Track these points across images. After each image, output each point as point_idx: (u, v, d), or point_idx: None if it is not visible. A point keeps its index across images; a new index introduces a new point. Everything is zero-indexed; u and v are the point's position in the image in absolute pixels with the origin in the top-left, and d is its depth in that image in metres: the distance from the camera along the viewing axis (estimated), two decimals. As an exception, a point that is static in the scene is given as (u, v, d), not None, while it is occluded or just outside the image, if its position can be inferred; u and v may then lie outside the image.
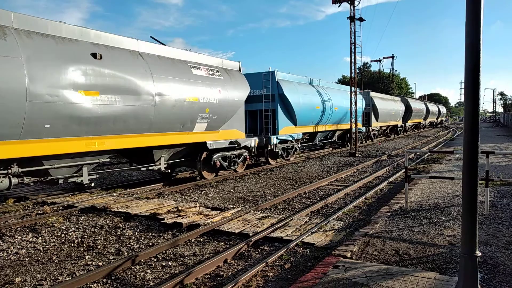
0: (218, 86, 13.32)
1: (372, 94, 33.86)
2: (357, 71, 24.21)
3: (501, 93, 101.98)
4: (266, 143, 17.12)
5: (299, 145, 20.45)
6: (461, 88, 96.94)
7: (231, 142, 14.22)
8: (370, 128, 32.35)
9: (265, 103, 17.98)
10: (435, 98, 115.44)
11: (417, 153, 21.56)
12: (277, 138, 17.52)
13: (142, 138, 10.77)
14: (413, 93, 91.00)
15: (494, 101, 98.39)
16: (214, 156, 13.53)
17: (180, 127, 11.93)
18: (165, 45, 12.24)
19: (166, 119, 11.30)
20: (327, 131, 23.49)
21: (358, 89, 24.98)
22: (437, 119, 71.52)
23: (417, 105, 51.65)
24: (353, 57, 23.16)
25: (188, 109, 12.01)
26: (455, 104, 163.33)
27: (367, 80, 71.77)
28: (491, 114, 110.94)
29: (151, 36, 14.18)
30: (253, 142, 15.66)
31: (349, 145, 25.18)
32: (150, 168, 11.94)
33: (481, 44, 3.83)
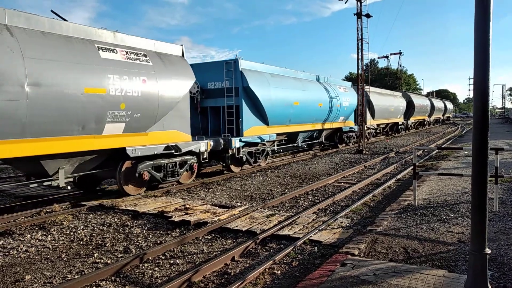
0: (143, 75, 10.38)
1: (367, 88, 29.80)
2: (364, 67, 24.07)
3: (511, 89, 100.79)
4: (226, 147, 13.99)
5: (275, 147, 17.75)
6: (469, 84, 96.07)
7: (167, 147, 11.28)
8: (369, 124, 29.25)
9: (227, 98, 15.09)
10: (443, 94, 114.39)
11: (426, 150, 21.42)
12: (240, 140, 14.50)
13: (9, 146, 7.83)
14: (421, 89, 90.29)
15: (503, 97, 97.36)
16: (140, 166, 10.66)
17: (78, 130, 8.98)
18: (66, 20, 9.54)
19: (50, 119, 8.37)
20: (311, 130, 20.60)
21: (350, 83, 23.94)
22: (443, 115, 67.64)
23: (421, 101, 47.81)
24: (360, 54, 23.02)
25: (89, 104, 9.03)
26: (463, 100, 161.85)
27: (374, 77, 71.32)
28: (500, 110, 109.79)
29: (51, 11, 10.58)
30: (203, 146, 12.63)
31: (339, 146, 23.76)
32: (46, 184, 9.22)
33: (491, 39, 3.78)
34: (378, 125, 32.80)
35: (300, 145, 20.11)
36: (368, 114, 28.83)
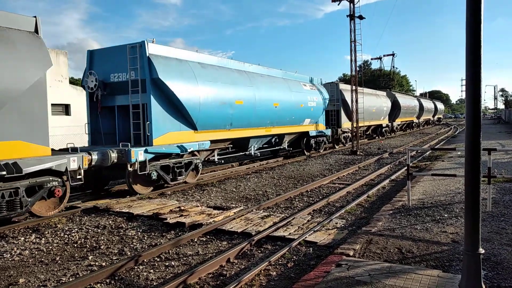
0: None
1: (343, 87, 26.83)
2: (357, 69, 24.18)
3: (502, 90, 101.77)
4: (123, 161, 10.30)
5: (215, 157, 14.22)
6: (462, 85, 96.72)
7: None
8: (340, 129, 25.63)
9: (132, 95, 11.33)
10: (436, 95, 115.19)
11: (419, 151, 21.55)
12: (146, 151, 10.71)
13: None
14: (414, 90, 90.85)
15: (495, 98, 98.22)
16: None
17: None
18: None
19: None
20: (266, 136, 17.04)
21: (320, 79, 22.03)
22: (433, 117, 64.63)
23: (408, 101, 44.28)
24: (353, 55, 23.14)
25: None
26: (456, 101, 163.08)
27: (368, 78, 71.64)
28: (492, 111, 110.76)
29: None
30: (72, 162, 8.99)
31: (306, 153, 20.71)
32: None
33: (482, 41, 3.82)
34: (365, 127, 30.32)
35: (253, 153, 16.46)
36: (344, 116, 25.95)
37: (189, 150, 12.29)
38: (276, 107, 16.71)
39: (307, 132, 20.29)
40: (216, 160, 14.30)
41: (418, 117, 49.83)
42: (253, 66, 16.63)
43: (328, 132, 22.60)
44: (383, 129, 35.71)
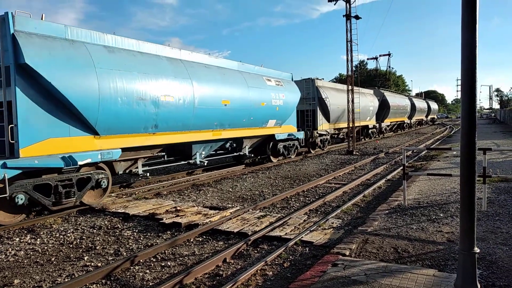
0: None
1: (320, 83, 23.50)
2: (353, 69, 24.22)
3: (498, 90, 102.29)
4: None
5: (139, 169, 11.44)
6: (457, 85, 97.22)
7: None
8: (316, 132, 22.25)
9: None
10: (431, 95, 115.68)
11: (415, 151, 21.62)
12: (5, 166, 7.62)
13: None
14: (409, 90, 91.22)
15: (490, 98, 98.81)
16: None
17: None
18: None
19: None
20: (216, 141, 14.28)
21: (289, 75, 19.44)
22: (426, 117, 61.46)
23: (398, 100, 41.07)
24: (349, 55, 23.18)
25: None
26: (451, 101, 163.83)
27: (364, 78, 71.83)
28: (488, 110, 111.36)
29: None
30: None
31: (272, 159, 18.09)
32: None
33: (477, 42, 3.84)
34: (338, 129, 26.18)
35: (199, 162, 13.39)
36: (321, 116, 22.73)
37: (82, 162, 9.07)
38: (227, 106, 13.62)
39: (273, 136, 17.31)
40: (140, 172, 11.37)
41: (409, 117, 47.34)
42: (194, 54, 13.27)
43: (301, 135, 19.77)
44: (370, 131, 32.63)
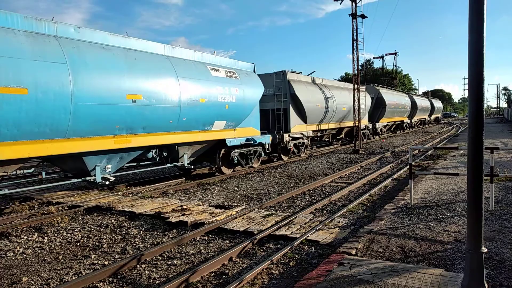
0: None
1: (294, 77, 19.93)
2: (359, 68, 24.11)
3: (505, 89, 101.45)
4: None
5: None
6: (464, 84, 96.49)
7: None
8: (287, 135, 18.54)
9: None
10: (438, 94, 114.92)
11: (421, 150, 21.50)
12: None
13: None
14: (416, 89, 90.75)
15: (498, 97, 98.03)
16: None
17: None
18: None
19: None
20: (123, 150, 10.68)
21: (250, 65, 16.13)
22: (429, 116, 57.50)
23: (396, 98, 37.07)
24: (355, 54, 23.10)
25: None
26: (458, 100, 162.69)
27: (370, 77, 71.52)
28: (495, 109, 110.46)
29: None
30: None
31: (224, 171, 14.45)
32: None
33: (485, 40, 3.81)
34: (321, 131, 22.85)
35: (99, 180, 10.14)
36: (294, 117, 19.22)
37: None
38: (136, 103, 10.12)
39: (223, 141, 13.96)
40: None
41: (410, 117, 43.71)
42: (84, 30, 9.70)
43: (265, 139, 16.44)
44: (361, 132, 27.34)
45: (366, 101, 28.00)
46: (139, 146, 10.91)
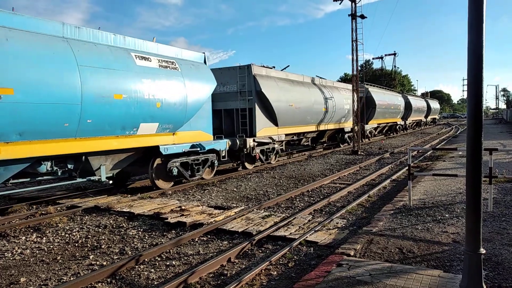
0: None
1: (261, 71, 16.95)
2: (359, 68, 24.11)
3: (504, 90, 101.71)
4: None
5: None
6: (463, 85, 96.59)
7: None
8: (251, 140, 15.68)
9: None
10: (437, 95, 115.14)
11: (420, 151, 21.52)
12: None
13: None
14: (415, 90, 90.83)
15: (497, 98, 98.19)
16: None
17: None
18: None
19: None
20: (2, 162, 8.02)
21: (202, 54, 13.46)
22: (425, 117, 55.03)
23: (388, 98, 34.93)
24: (355, 55, 23.12)
25: None
26: (457, 101, 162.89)
27: (369, 78, 71.55)
28: (494, 110, 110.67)
29: None
30: None
31: (161, 185, 11.64)
32: None
33: (484, 41, 3.81)
34: (298, 134, 20.29)
35: None
36: (261, 117, 16.43)
37: None
38: (1, 100, 7.55)
39: (157, 148, 11.24)
40: None
41: (404, 118, 41.53)
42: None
43: (220, 145, 13.78)
44: (347, 135, 25.79)
45: (351, 101, 24.88)
46: (18, 159, 8.21)
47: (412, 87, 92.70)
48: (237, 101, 16.42)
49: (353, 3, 22.58)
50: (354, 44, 22.93)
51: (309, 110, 19.85)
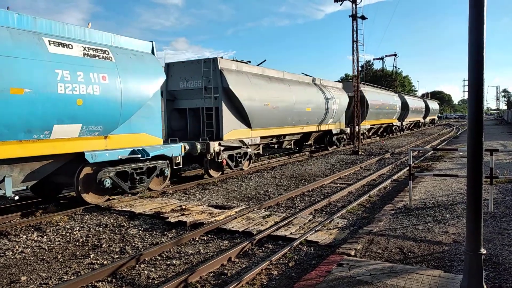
0: None
1: (226, 64, 14.57)
2: (359, 69, 24.11)
3: (505, 91, 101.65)
4: None
5: None
6: (464, 86, 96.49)
7: None
8: (217, 144, 13.54)
9: None
10: (438, 95, 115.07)
11: (421, 151, 21.51)
12: None
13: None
14: (416, 91, 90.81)
15: (497, 99, 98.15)
16: None
17: None
18: None
19: None
20: None
21: (151, 43, 11.38)
22: (424, 118, 53.39)
23: (382, 97, 32.61)
24: (355, 56, 23.12)
25: None
26: (458, 102, 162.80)
27: (370, 78, 71.46)
28: (495, 111, 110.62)
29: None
30: None
31: (88, 200, 9.24)
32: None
33: (485, 42, 3.81)
34: (277, 137, 18.17)
35: None
36: (229, 117, 14.41)
37: None
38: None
39: (82, 156, 9.29)
40: None
41: (400, 119, 39.81)
42: None
43: (173, 150, 11.65)
44: (335, 137, 23.82)
45: (341, 100, 23.36)
46: None
47: (413, 88, 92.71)
48: (200, 99, 14.45)
49: (353, 4, 22.59)
50: (355, 45, 22.94)
51: (289, 110, 17.80)
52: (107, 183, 9.72)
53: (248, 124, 15.28)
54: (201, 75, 14.29)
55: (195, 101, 14.71)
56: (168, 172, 11.57)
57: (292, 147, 20.94)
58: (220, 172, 14.33)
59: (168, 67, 15.00)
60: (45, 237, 7.46)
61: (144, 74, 10.69)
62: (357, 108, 23.54)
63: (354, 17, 22.70)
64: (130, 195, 10.86)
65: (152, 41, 11.50)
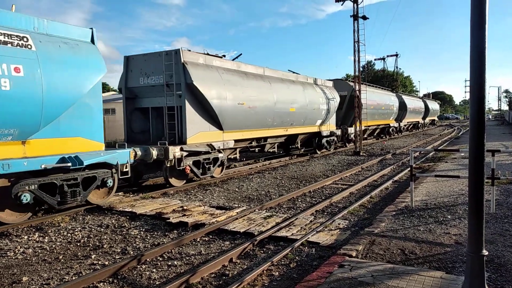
0: None
1: (190, 57, 12.71)
2: (361, 69, 24.09)
3: (506, 91, 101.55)
4: None
5: None
6: (466, 86, 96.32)
7: None
8: (178, 149, 11.74)
9: None
10: (439, 96, 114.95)
11: (422, 152, 21.49)
12: None
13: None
14: (417, 91, 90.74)
15: (499, 99, 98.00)
16: None
17: None
18: None
19: None
20: None
21: (90, 29, 9.32)
22: (423, 119, 52.20)
23: (378, 97, 31.08)
24: (356, 56, 23.09)
25: None
26: (459, 102, 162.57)
27: (371, 79, 71.38)
28: (496, 112, 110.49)
29: None
30: None
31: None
32: None
33: (486, 43, 3.80)
34: (257, 140, 16.42)
35: None
36: (195, 118, 12.63)
37: None
38: None
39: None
40: None
41: (398, 120, 38.25)
42: None
43: (119, 156, 9.90)
44: (325, 139, 22.00)
45: (331, 100, 21.74)
46: None
47: (414, 88, 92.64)
48: (161, 97, 12.74)
49: (355, 4, 22.56)
50: (356, 45, 22.90)
51: (270, 111, 15.93)
52: (26, 198, 7.89)
53: (219, 126, 13.53)
54: (162, 69, 12.45)
55: (157, 99, 12.94)
56: (110, 182, 9.67)
57: (276, 150, 19.21)
58: (184, 181, 12.58)
59: (128, 60, 13.22)
60: (46, 237, 7.47)
61: (78, 66, 8.87)
62: (358, 108, 23.51)
63: (355, 17, 22.67)
64: (131, 195, 10.87)
65: (92, 28, 9.70)
